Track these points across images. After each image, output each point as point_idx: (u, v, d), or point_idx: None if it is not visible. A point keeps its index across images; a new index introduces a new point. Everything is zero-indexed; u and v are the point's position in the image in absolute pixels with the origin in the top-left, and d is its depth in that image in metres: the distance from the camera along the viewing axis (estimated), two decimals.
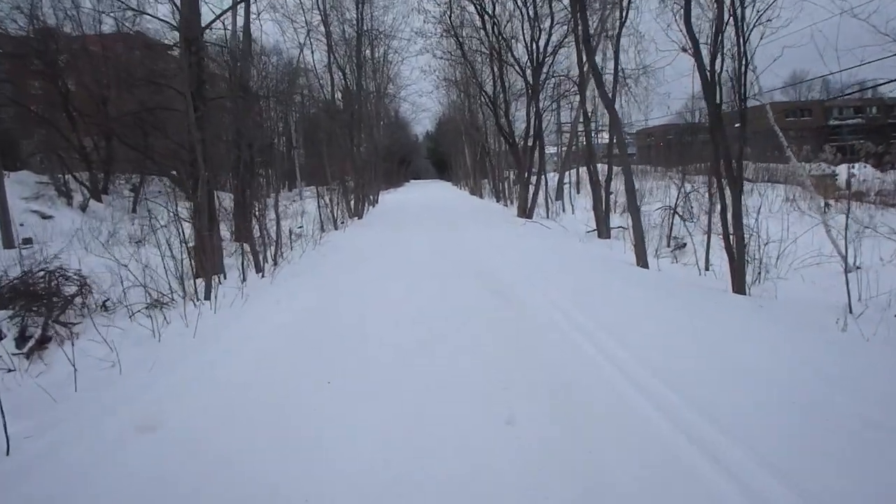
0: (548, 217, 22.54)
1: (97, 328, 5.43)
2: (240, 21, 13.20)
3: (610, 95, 15.44)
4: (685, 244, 13.99)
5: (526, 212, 20.75)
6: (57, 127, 20.08)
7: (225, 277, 9.49)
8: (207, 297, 7.45)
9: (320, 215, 18.42)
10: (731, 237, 7.46)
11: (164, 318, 6.17)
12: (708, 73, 7.34)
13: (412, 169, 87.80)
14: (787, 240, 10.26)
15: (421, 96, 42.60)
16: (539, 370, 4.57)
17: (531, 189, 21.10)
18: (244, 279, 9.44)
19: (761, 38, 7.05)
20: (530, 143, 20.78)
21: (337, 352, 5.22)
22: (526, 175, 21.07)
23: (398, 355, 5.07)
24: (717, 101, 7.50)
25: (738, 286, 7.25)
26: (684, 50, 7.92)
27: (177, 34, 11.15)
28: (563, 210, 24.55)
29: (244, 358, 5.13)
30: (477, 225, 17.70)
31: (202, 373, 4.71)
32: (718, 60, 7.30)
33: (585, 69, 14.05)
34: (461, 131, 41.99)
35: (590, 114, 15.92)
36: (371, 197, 30.69)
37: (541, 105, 19.92)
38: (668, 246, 14.45)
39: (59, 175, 19.08)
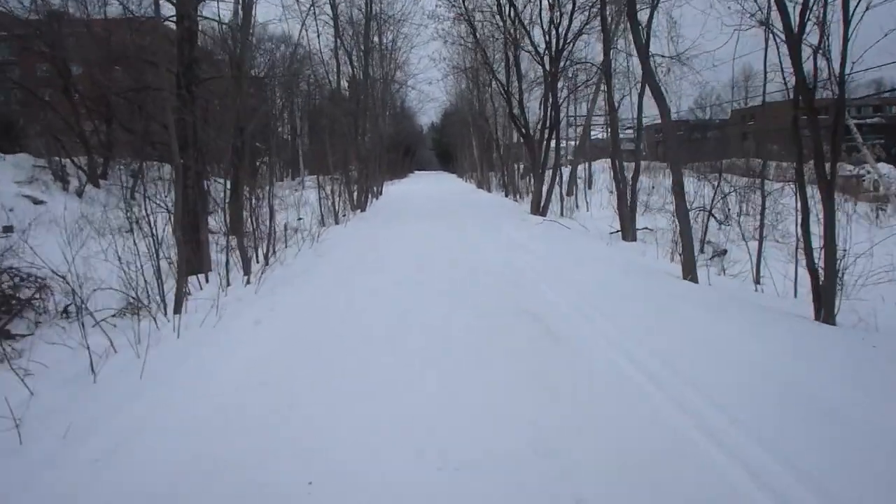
0: (562, 214, 21.28)
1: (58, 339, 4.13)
2: None
3: (639, 85, 14.24)
4: (725, 251, 12.69)
5: (539, 208, 19.45)
6: (56, 110, 19.39)
7: (207, 281, 8.23)
8: (178, 311, 6.21)
9: (320, 208, 17.16)
10: (812, 250, 6.16)
11: (134, 331, 4.92)
12: (795, 45, 6.01)
13: (416, 160, 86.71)
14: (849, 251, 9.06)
15: (430, 83, 41.32)
16: (608, 442, 3.30)
17: (545, 184, 19.79)
18: (228, 283, 8.20)
19: (868, 8, 5.69)
20: (545, 135, 19.43)
21: (324, 418, 3.69)
22: (540, 169, 19.76)
23: (412, 428, 3.52)
24: (805, 80, 6.18)
25: (826, 313, 5.92)
26: (762, 24, 6.60)
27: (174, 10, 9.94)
28: (577, 207, 23.25)
29: (191, 426, 3.59)
30: (489, 222, 16.40)
31: (117, 459, 3.20)
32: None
33: (636, 50, 12.74)
34: (468, 122, 40.61)
35: (617, 105, 14.57)
36: (375, 188, 29.39)
37: (559, 95, 18.55)
38: (703, 252, 13.19)
39: (57, 159, 18.01)
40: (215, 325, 5.59)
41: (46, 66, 20.73)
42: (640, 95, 14.15)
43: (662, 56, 14.14)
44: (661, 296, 7.27)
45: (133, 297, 6.30)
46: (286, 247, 11.30)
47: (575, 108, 27.16)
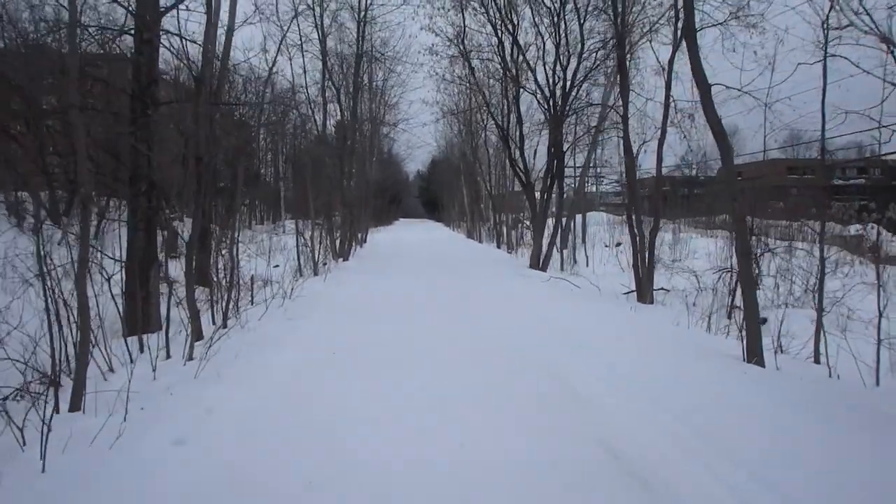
0: (562, 269, 19.66)
1: None
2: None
3: (660, 130, 12.76)
4: (765, 319, 11.01)
5: (539, 262, 17.80)
6: (20, 142, 17.70)
7: (140, 351, 6.35)
8: (76, 407, 4.34)
9: (298, 256, 15.34)
10: None
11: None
12: None
13: (402, 208, 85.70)
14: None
15: (424, 125, 39.95)
16: None
17: (546, 237, 18.22)
18: (168, 355, 6.33)
19: None
20: (548, 183, 17.91)
21: None
22: (541, 221, 18.20)
23: None
24: None
25: None
26: (886, 40, 5.06)
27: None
28: (575, 262, 21.60)
29: None
30: (489, 279, 14.67)
31: None
32: None
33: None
34: (458, 170, 39.34)
35: (635, 152, 13.05)
36: (360, 235, 27.69)
37: (563, 141, 17.09)
38: (731, 318, 11.52)
39: (15, 193, 16.30)
40: (113, 444, 3.69)
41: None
42: (661, 142, 12.67)
43: (685, 101, 12.70)
44: (743, 394, 5.49)
45: (18, 387, 4.46)
46: (252, 303, 9.46)
47: (573, 159, 25.87)
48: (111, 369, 5.62)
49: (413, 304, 10.42)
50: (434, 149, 46.36)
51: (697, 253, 21.28)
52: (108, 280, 6.38)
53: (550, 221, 19.25)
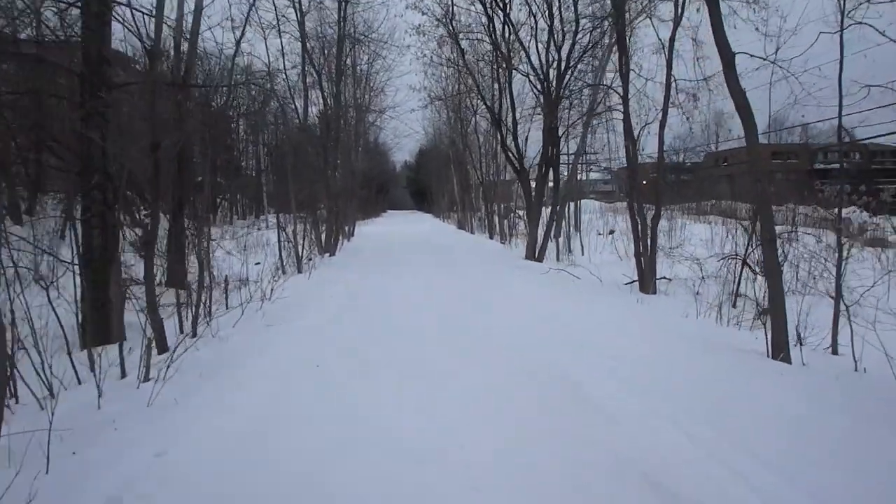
0: (558, 259, 18.91)
1: None
2: None
3: (661, 112, 11.98)
4: None
5: (535, 253, 17.04)
6: None
7: (93, 370, 5.50)
8: None
9: (280, 253, 14.49)
10: None
11: None
12: None
13: (389, 199, 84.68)
14: None
15: (412, 111, 38.84)
16: None
17: (541, 226, 17.45)
18: (123, 374, 5.51)
19: None
20: (543, 170, 17.09)
21: None
22: (536, 209, 17.41)
23: None
24: None
25: None
26: None
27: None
28: (571, 251, 20.81)
29: None
30: (486, 273, 13.87)
31: None
32: None
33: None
34: (448, 158, 38.42)
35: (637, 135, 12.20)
36: (346, 228, 26.78)
37: (560, 124, 16.26)
38: (736, 307, 10.82)
39: None
40: None
41: None
42: (662, 124, 11.88)
43: (688, 80, 11.93)
44: (779, 397, 4.76)
45: None
46: (227, 308, 8.63)
47: (567, 146, 25.02)
48: (51, 394, 4.80)
49: (407, 304, 9.59)
50: (422, 137, 45.42)
51: (693, 239, 20.54)
52: (47, 287, 5.50)
53: (545, 210, 18.48)
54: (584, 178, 35.27)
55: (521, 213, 29.21)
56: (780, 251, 12.36)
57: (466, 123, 28.82)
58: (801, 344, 7.76)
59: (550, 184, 17.64)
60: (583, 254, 20.65)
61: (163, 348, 6.61)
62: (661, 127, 11.99)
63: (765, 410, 4.51)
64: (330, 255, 18.54)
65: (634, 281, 12.43)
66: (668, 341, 6.84)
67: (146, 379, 5.26)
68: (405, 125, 63.18)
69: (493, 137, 27.07)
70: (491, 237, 28.27)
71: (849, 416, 4.38)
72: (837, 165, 59.70)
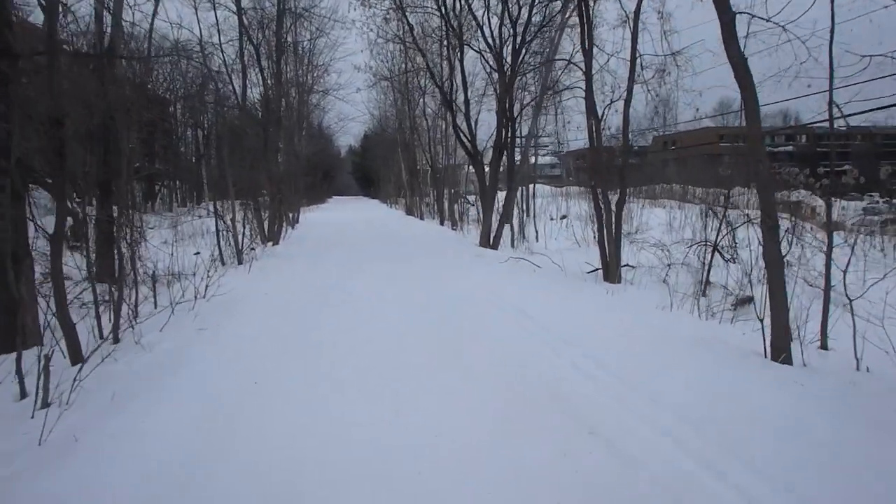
0: (513, 246, 18.28)
1: None
2: None
3: (626, 90, 11.35)
4: (751, 298, 9.81)
5: (490, 240, 16.35)
6: None
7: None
8: None
9: (218, 243, 13.33)
10: None
11: None
12: None
13: (335, 185, 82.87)
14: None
15: (357, 91, 37.45)
16: None
17: (496, 212, 16.75)
18: (24, 394, 4.50)
19: None
20: (503, 151, 16.32)
21: None
22: (490, 195, 16.68)
23: None
24: None
25: None
26: None
27: None
28: (525, 237, 20.19)
29: None
30: (441, 262, 13.08)
31: None
32: None
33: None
34: (395, 142, 37.33)
35: (602, 115, 11.53)
36: (291, 215, 25.55)
37: (517, 105, 15.51)
38: (706, 295, 10.35)
39: None
40: None
41: None
42: (627, 102, 11.26)
43: (654, 55, 11.33)
44: (795, 408, 4.12)
45: None
46: (156, 307, 7.58)
47: (520, 129, 24.35)
48: None
49: (359, 300, 8.69)
50: (368, 120, 44.11)
51: (651, 224, 20.20)
52: None
53: (499, 195, 17.79)
54: (533, 162, 34.82)
55: (471, 198, 28.49)
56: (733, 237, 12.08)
57: (414, 105, 27.83)
58: (792, 340, 7.26)
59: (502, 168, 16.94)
60: (537, 240, 20.09)
61: (77, 358, 5.61)
62: (627, 105, 11.37)
63: (777, 422, 3.88)
64: (273, 244, 17.42)
65: (598, 269, 11.86)
66: (652, 338, 6.20)
67: (45, 404, 4.28)
68: (351, 107, 61.75)
69: (443, 119, 26.22)
70: (441, 223, 27.49)
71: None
72: (787, 148, 61.35)
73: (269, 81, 18.58)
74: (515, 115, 15.61)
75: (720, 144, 62.03)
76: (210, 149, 36.11)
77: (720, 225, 10.87)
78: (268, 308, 8.01)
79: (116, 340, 6.21)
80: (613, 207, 11.55)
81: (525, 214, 25.71)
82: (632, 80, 11.28)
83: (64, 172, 5.56)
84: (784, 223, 14.03)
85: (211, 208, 19.41)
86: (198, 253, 14.25)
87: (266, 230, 17.90)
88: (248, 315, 7.51)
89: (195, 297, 7.90)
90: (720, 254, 10.99)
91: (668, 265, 11.71)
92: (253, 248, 15.00)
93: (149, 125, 30.30)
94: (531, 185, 29.23)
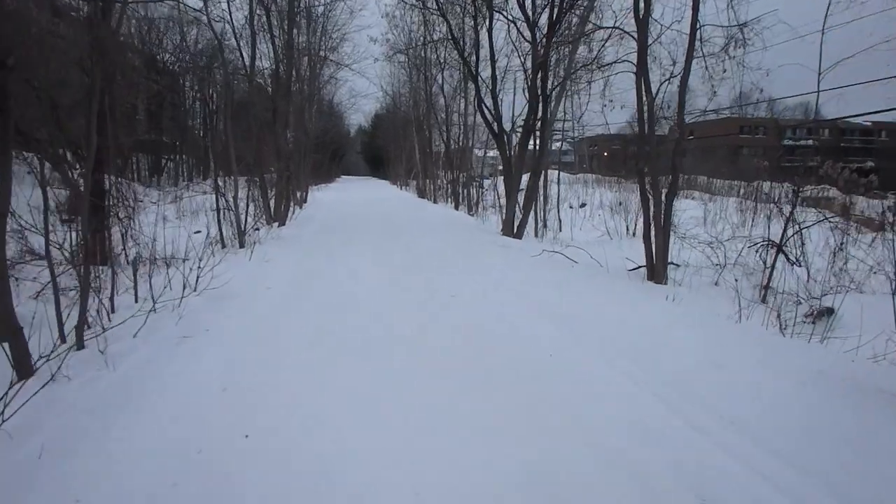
0: (536, 235, 17.00)
1: None
2: None
3: (684, 63, 9.95)
4: (831, 310, 8.42)
5: (514, 229, 15.02)
6: None
7: None
8: None
9: (219, 224, 12.07)
10: None
11: None
12: None
13: (343, 164, 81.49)
14: None
15: (375, 61, 35.70)
16: None
17: (521, 199, 15.40)
18: None
19: None
20: (533, 132, 14.93)
21: None
22: (516, 179, 15.32)
23: None
24: None
25: None
26: None
27: None
28: (546, 226, 18.80)
29: None
30: (465, 251, 11.75)
31: None
32: None
33: None
34: (408, 122, 35.84)
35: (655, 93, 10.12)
36: (299, 194, 24.24)
37: (550, 81, 14.07)
38: (764, 301, 9.02)
39: None
40: None
41: None
42: (684, 80, 9.85)
43: (718, 26, 9.91)
44: None
45: None
46: (136, 301, 6.32)
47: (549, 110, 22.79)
48: None
49: (376, 299, 7.37)
50: (380, 97, 42.57)
51: (680, 217, 18.74)
52: None
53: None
54: (550, 147, 33.32)
55: (485, 182, 27.06)
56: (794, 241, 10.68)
57: (432, 81, 26.36)
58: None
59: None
60: (560, 229, 18.78)
61: (25, 370, 4.36)
62: (683, 82, 9.97)
63: None
64: (280, 225, 16.14)
65: (640, 267, 10.55)
66: (773, 375, 4.76)
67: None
68: (364, 82, 60.10)
69: (462, 97, 24.76)
70: (456, 208, 26.14)
71: None
72: (804, 142, 59.55)
73: (279, 50, 17.20)
74: (552, 88, 14.14)
75: (740, 136, 60.46)
76: (217, 121, 34.83)
77: (786, 223, 9.51)
78: (268, 309, 6.69)
79: (80, 346, 4.95)
80: (663, 198, 10.19)
81: (545, 202, 24.39)
82: (690, 53, 9.89)
83: (7, 130, 4.24)
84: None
85: (217, 184, 18.06)
86: (199, 231, 13.04)
87: (272, 210, 16.63)
88: (245, 318, 6.17)
89: (183, 290, 6.60)
90: (785, 255, 9.65)
91: (722, 265, 10.39)
92: (257, 229, 13.75)
93: (157, 96, 29.17)
94: (550, 172, 27.83)
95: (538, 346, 5.36)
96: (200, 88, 35.21)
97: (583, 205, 26.32)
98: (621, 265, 10.85)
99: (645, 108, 10.29)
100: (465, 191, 25.47)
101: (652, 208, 10.15)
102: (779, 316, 7.02)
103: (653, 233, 10.21)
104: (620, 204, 26.88)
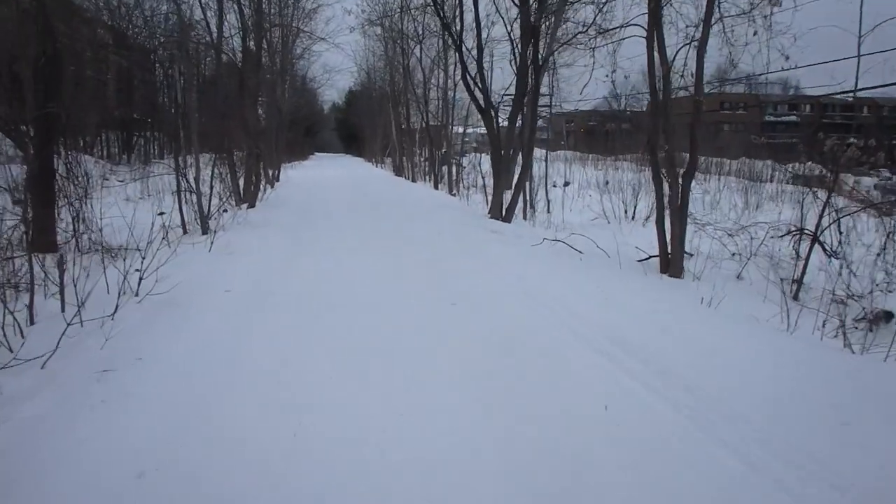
0: (525, 218, 15.86)
1: None
2: None
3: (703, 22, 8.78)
4: (891, 314, 7.38)
5: (503, 211, 13.86)
6: None
7: None
8: None
9: (180, 207, 10.75)
10: None
11: None
12: None
13: (317, 141, 79.47)
14: None
15: (351, 30, 33.65)
16: None
17: (512, 180, 14.25)
18: None
19: None
20: (524, 106, 13.69)
21: None
22: (504, 157, 14.13)
23: None
24: None
25: None
26: None
27: None
28: (534, 208, 17.60)
29: None
30: (453, 238, 10.52)
31: None
32: None
33: None
34: (384, 97, 34.27)
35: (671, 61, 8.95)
36: (271, 173, 22.74)
37: (541, 51, 12.84)
38: (796, 298, 7.99)
39: None
40: None
41: None
42: (702, 46, 8.69)
43: None
44: None
45: None
46: (63, 310, 5.03)
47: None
48: None
49: (356, 303, 6.13)
50: (354, 73, 40.84)
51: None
52: None
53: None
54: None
55: (463, 160, 25.72)
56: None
57: (409, 53, 24.91)
58: None
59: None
60: (548, 210, 17.65)
61: None
62: (701, 47, 8.83)
63: None
64: (249, 207, 14.78)
65: (652, 257, 9.48)
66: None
67: None
68: (339, 55, 58.32)
69: (442, 70, 23.37)
70: (436, 187, 24.85)
71: None
72: (786, 118, 59.06)
73: (249, 18, 15.67)
74: (546, 56, 12.88)
75: (721, 112, 59.64)
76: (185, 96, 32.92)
77: (823, 209, 8.44)
78: (224, 322, 5.33)
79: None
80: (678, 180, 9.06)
81: (530, 182, 23.18)
82: (709, 15, 8.73)
83: None
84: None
85: (189, 161, 16.32)
86: (163, 213, 11.75)
87: (242, 190, 15.24)
88: (192, 339, 4.81)
89: (119, 296, 5.27)
90: (822, 246, 8.62)
91: (748, 256, 9.30)
92: (225, 211, 12.42)
93: (125, 70, 27.43)
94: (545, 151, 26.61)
95: (596, 390, 4.11)
96: (170, 63, 33.36)
97: (566, 184, 25.24)
98: (629, 254, 9.75)
99: (658, 76, 9.14)
100: (446, 169, 24.17)
101: (668, 190, 9.05)
102: (842, 325, 5.93)
103: (667, 218, 9.14)
104: (607, 183, 25.86)
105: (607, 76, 10.58)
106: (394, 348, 4.73)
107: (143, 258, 5.74)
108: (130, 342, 4.47)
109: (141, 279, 5.63)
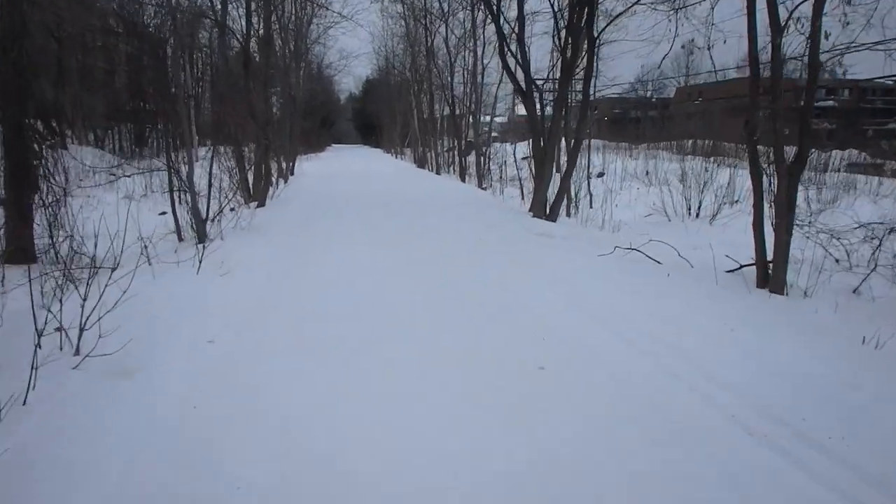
0: (568, 215, 14.13)
1: None
2: None
3: None
4: None
5: (547, 209, 12.08)
6: None
7: None
8: None
9: (174, 211, 9.12)
10: None
11: None
12: None
13: (333, 132, 77.87)
14: None
15: (371, 2, 31.56)
16: None
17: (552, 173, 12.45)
18: None
19: None
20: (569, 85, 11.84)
21: None
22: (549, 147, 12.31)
23: None
24: None
25: None
26: None
27: None
28: (576, 204, 15.68)
29: None
30: (500, 247, 8.70)
31: None
32: None
33: None
34: (405, 83, 32.45)
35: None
36: (285, 165, 21.02)
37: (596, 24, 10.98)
38: None
39: None
40: None
41: None
42: (820, 6, 6.79)
43: None
44: None
45: None
46: (37, 344, 3.35)
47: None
48: None
49: (388, 345, 4.43)
50: (373, 59, 39.14)
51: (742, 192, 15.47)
52: None
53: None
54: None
55: (491, 151, 23.97)
56: None
57: (433, 33, 23.10)
58: None
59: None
60: (591, 205, 15.84)
61: None
62: (816, 13, 6.93)
63: None
64: (258, 206, 13.12)
65: (744, 266, 7.65)
66: None
67: None
68: (356, 40, 57.19)
69: (470, 51, 21.53)
70: (463, 179, 23.09)
71: None
72: (823, 104, 56.33)
73: None
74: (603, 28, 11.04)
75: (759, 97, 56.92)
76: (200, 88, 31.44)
77: None
78: (194, 412, 3.32)
79: None
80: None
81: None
82: None
83: None
84: None
85: (201, 154, 14.59)
86: (164, 213, 10.40)
87: (251, 186, 13.60)
88: (142, 449, 2.90)
89: (34, 368, 3.52)
90: None
91: (872, 266, 7.37)
92: (232, 209, 10.79)
93: (134, 59, 26.05)
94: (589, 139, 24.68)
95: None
96: (182, 53, 31.89)
97: (600, 174, 23.45)
98: (708, 261, 7.88)
99: (763, 45, 7.25)
100: (472, 160, 22.38)
101: (774, 188, 7.20)
102: None
103: (770, 221, 7.30)
104: (647, 174, 23.90)
105: (683, 46, 8.76)
106: (434, 369, 2.98)
107: (85, 299, 3.98)
108: (41, 451, 2.72)
109: (82, 329, 3.90)
